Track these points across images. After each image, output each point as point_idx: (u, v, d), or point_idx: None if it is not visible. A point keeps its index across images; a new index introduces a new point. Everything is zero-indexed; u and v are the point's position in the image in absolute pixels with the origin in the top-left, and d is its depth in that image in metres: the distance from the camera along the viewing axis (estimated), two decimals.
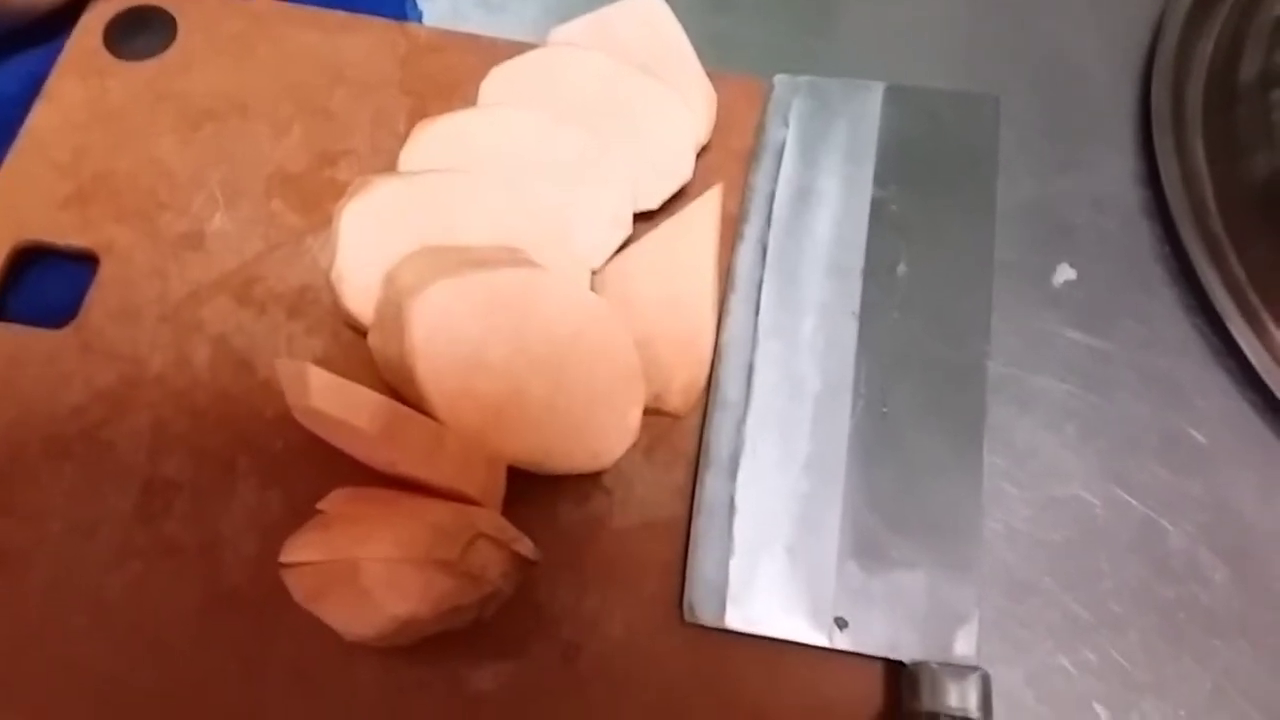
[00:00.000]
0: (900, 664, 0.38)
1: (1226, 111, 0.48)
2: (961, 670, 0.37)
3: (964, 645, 0.38)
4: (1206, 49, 0.51)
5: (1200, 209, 0.47)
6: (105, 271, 0.45)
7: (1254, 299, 0.44)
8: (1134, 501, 0.42)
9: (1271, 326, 0.44)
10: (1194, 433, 0.43)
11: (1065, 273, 0.46)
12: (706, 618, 0.39)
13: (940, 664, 0.37)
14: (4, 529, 0.40)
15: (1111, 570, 0.41)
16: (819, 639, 0.38)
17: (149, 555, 0.40)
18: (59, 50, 0.50)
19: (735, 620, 0.39)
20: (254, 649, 0.38)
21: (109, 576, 0.39)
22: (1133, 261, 0.47)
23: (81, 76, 0.49)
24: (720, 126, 0.47)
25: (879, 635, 0.38)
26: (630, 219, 0.44)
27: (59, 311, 0.44)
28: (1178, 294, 0.46)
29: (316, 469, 0.40)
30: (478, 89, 0.47)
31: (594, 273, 0.44)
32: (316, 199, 0.46)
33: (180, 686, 0.38)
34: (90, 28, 0.50)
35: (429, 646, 0.37)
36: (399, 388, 0.40)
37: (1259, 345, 0.44)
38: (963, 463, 0.41)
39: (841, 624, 0.38)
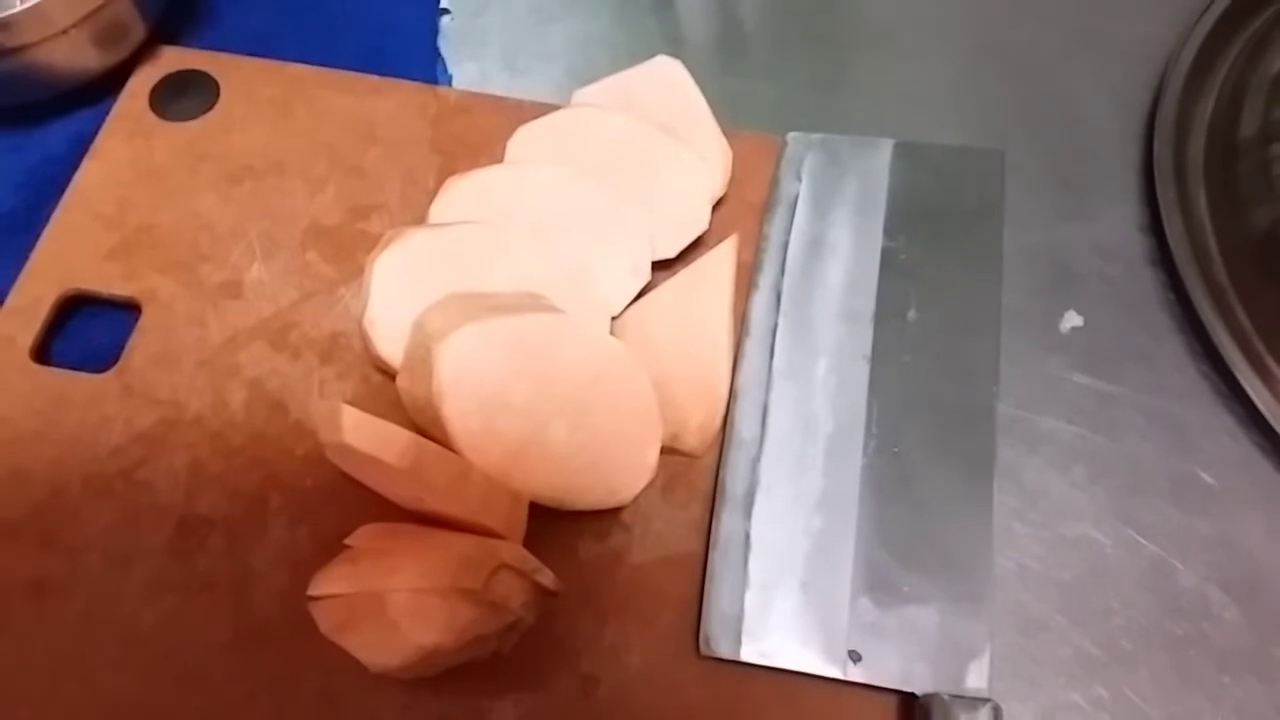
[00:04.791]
0: (913, 696, 0.38)
1: (1228, 165, 0.50)
2: (973, 702, 0.37)
3: (976, 678, 0.39)
4: (1208, 104, 0.52)
5: (1204, 258, 0.48)
6: (147, 319, 0.47)
7: (1259, 345, 0.45)
8: (1144, 541, 0.43)
9: (1276, 371, 0.45)
10: (1202, 474, 0.44)
11: (1072, 319, 0.47)
12: (723, 651, 0.39)
13: (952, 696, 0.38)
14: (44, 561, 0.41)
15: (1122, 608, 0.41)
16: (833, 671, 0.39)
17: (182, 589, 0.41)
18: (106, 111, 0.52)
19: (751, 653, 0.39)
20: (283, 680, 0.39)
21: (143, 609, 0.41)
22: (1138, 308, 0.48)
23: (128, 136, 0.51)
24: (736, 181, 0.49)
25: (892, 668, 0.39)
26: (649, 267, 0.46)
27: (102, 357, 0.46)
28: (1183, 340, 0.47)
29: (345, 506, 0.42)
30: (504, 147, 0.49)
31: (614, 318, 0.45)
32: (349, 250, 0.48)
33: (210, 716, 0.39)
34: (136, 91, 0.53)
35: (451, 678, 0.38)
36: (426, 427, 0.41)
37: (1264, 390, 0.44)
38: (973, 501, 0.42)
39: (855, 657, 0.39)
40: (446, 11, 0.57)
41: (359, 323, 0.44)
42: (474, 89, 0.54)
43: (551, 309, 0.42)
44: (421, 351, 0.41)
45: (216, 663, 0.40)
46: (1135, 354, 0.47)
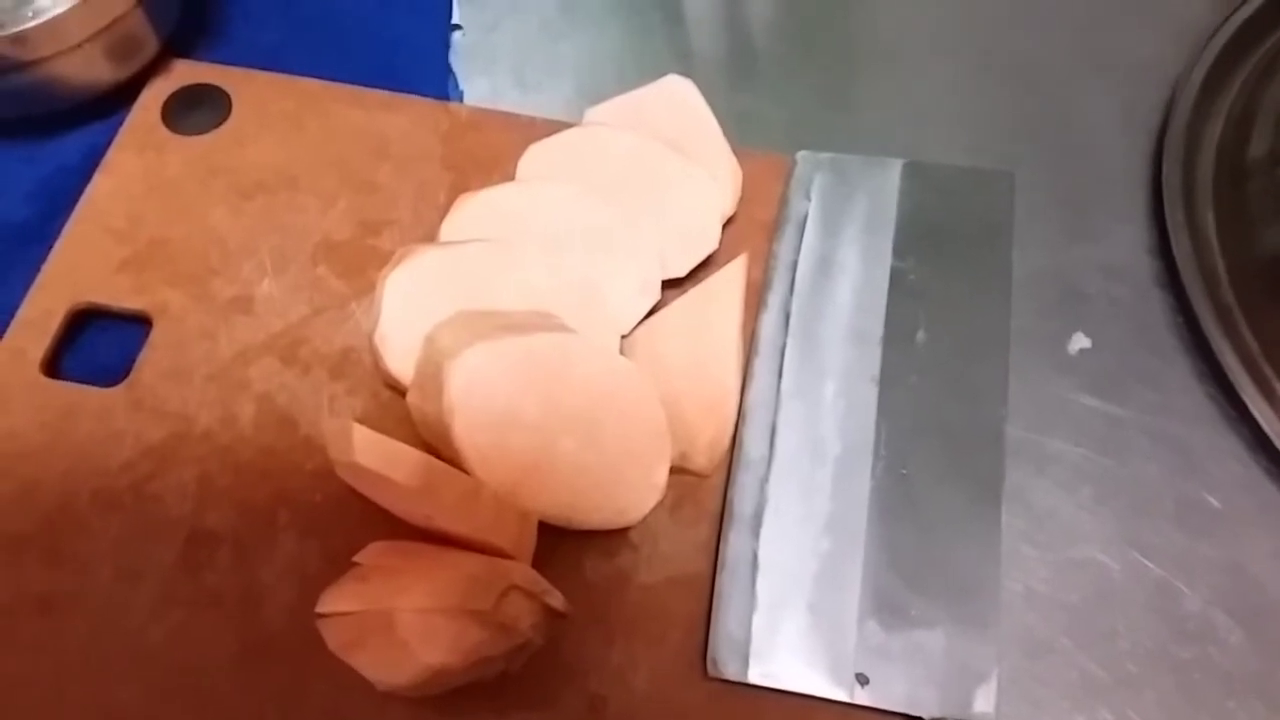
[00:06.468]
0: None
1: (1237, 186, 0.50)
2: None
3: (983, 703, 0.39)
4: (1217, 125, 0.52)
5: (1212, 280, 0.48)
6: (157, 333, 0.47)
7: (1266, 368, 0.45)
8: (1150, 564, 0.43)
9: None
10: (1208, 497, 0.44)
11: (1080, 341, 0.48)
12: (730, 672, 0.39)
13: None
14: (52, 575, 0.41)
15: (1128, 631, 0.41)
16: (840, 695, 0.39)
17: (191, 604, 0.41)
18: (118, 124, 0.53)
19: (758, 675, 0.39)
20: (290, 697, 0.39)
21: (152, 624, 0.41)
22: (1146, 330, 0.48)
23: (139, 150, 0.52)
24: (745, 199, 0.49)
25: (899, 692, 0.39)
26: (659, 286, 0.46)
27: (112, 370, 0.46)
28: (1190, 362, 0.47)
29: (354, 522, 0.42)
30: (516, 165, 0.49)
31: (623, 337, 0.46)
32: (360, 266, 0.48)
33: None
34: (149, 104, 0.53)
35: (458, 697, 0.38)
36: (436, 445, 0.41)
37: (1271, 413, 0.44)
38: (981, 524, 0.42)
39: (862, 680, 0.39)
40: (458, 27, 0.58)
41: (369, 339, 0.45)
42: (485, 104, 0.54)
43: (562, 327, 0.42)
44: (432, 369, 0.41)
45: (224, 678, 0.40)
46: (1143, 376, 0.47)
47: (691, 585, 0.42)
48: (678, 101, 0.50)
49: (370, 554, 0.38)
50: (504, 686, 0.39)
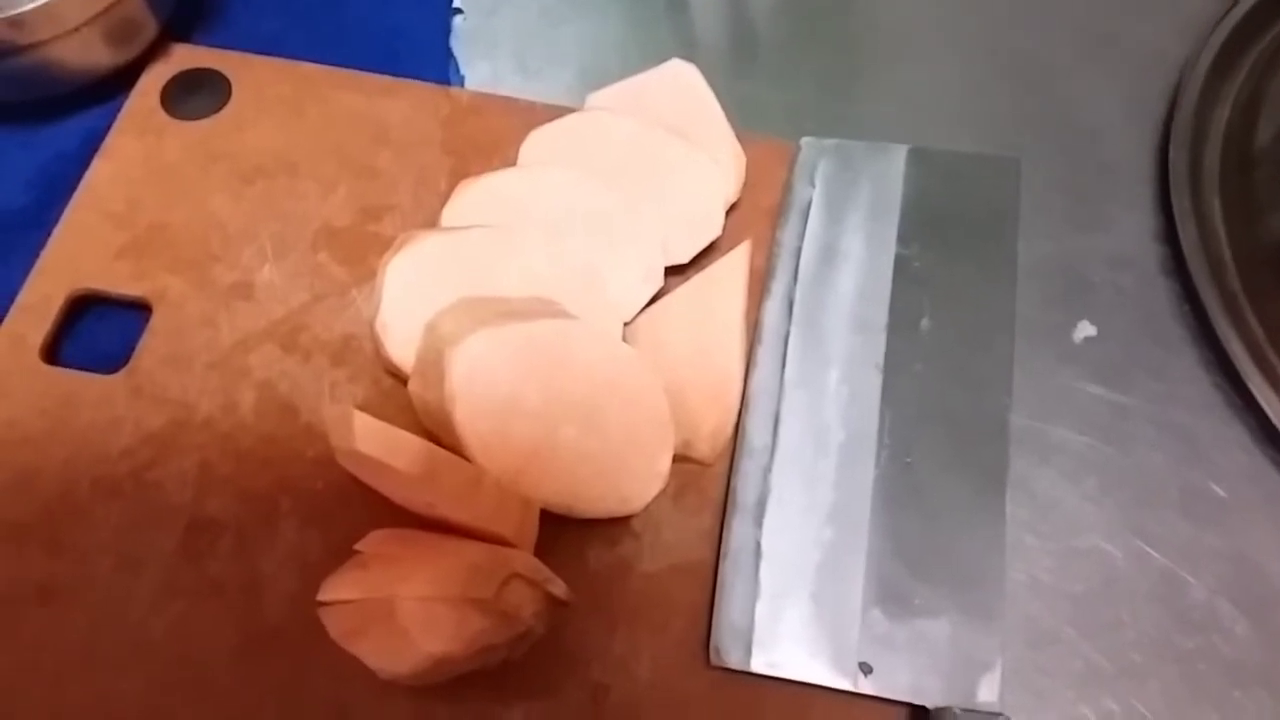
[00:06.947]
0: (924, 709, 0.38)
1: (1243, 173, 0.50)
2: (985, 716, 0.37)
3: (987, 692, 0.38)
4: (1223, 113, 0.52)
5: (1218, 268, 0.48)
6: (157, 320, 0.46)
7: (1272, 357, 0.45)
8: (1154, 553, 0.42)
9: None
10: (1214, 486, 0.44)
11: (1085, 329, 0.47)
12: (732, 661, 0.39)
13: (964, 710, 0.38)
14: (53, 564, 0.41)
15: (1132, 620, 0.41)
16: (843, 684, 0.39)
17: (192, 593, 0.41)
18: (117, 109, 0.52)
19: (760, 664, 0.39)
20: (291, 687, 0.39)
21: (153, 613, 0.40)
22: (1152, 319, 0.48)
23: (139, 134, 0.51)
24: (749, 186, 0.49)
25: (903, 681, 0.39)
26: (661, 273, 0.46)
27: (112, 357, 0.46)
28: (1196, 351, 0.47)
29: (356, 510, 0.42)
30: (517, 150, 0.49)
31: (626, 324, 0.45)
32: (361, 253, 0.48)
33: None
34: (148, 89, 0.53)
35: (461, 686, 0.38)
36: (437, 433, 0.41)
37: (1278, 402, 0.44)
38: (986, 513, 0.42)
39: (866, 669, 0.39)
40: (459, 11, 0.57)
41: (370, 326, 0.44)
42: (486, 89, 0.54)
43: (564, 314, 0.42)
44: (433, 356, 0.41)
45: (225, 668, 0.40)
46: (1148, 365, 0.47)
47: (694, 574, 0.41)
48: (681, 86, 0.50)
49: (371, 542, 0.38)
50: (506, 675, 0.39)
